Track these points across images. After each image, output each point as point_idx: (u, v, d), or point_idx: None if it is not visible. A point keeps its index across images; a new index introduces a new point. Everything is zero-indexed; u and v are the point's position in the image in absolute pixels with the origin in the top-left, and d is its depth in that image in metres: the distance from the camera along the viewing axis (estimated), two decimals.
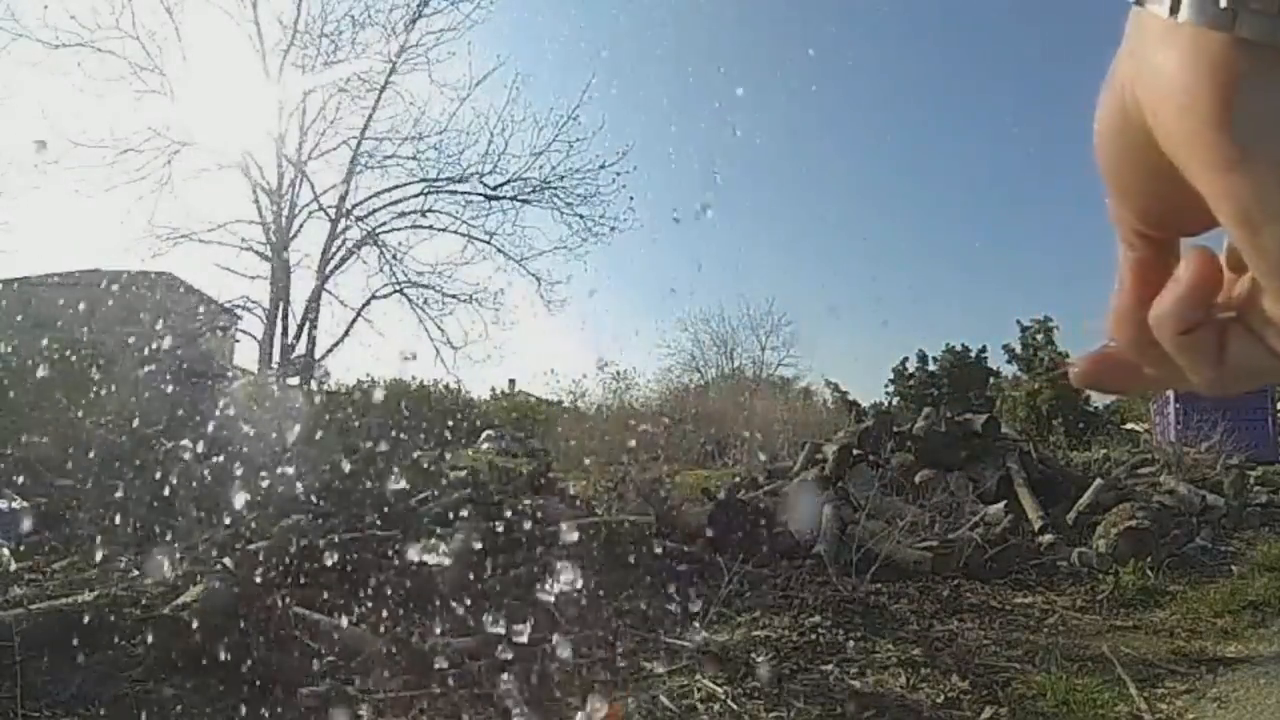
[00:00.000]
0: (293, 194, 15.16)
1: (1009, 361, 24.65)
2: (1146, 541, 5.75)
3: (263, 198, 14.92)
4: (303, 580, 4.10)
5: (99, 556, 4.57)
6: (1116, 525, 5.91)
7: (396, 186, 15.63)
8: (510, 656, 3.48)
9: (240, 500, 4.97)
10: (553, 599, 4.39)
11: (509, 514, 5.66)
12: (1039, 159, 31.12)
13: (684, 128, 30.08)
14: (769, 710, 3.27)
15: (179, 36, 13.89)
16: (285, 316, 14.89)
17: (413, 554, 4.56)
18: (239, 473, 5.22)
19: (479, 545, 4.86)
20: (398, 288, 15.49)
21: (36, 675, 2.97)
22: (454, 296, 15.57)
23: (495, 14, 15.35)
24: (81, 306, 11.15)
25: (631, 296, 29.92)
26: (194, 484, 5.11)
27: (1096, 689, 3.51)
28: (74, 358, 8.17)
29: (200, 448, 5.70)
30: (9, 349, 7.95)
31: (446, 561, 4.56)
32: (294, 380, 14.41)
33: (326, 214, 15.37)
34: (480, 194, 15.49)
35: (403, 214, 15.65)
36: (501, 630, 3.77)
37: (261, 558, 4.16)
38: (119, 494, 5.27)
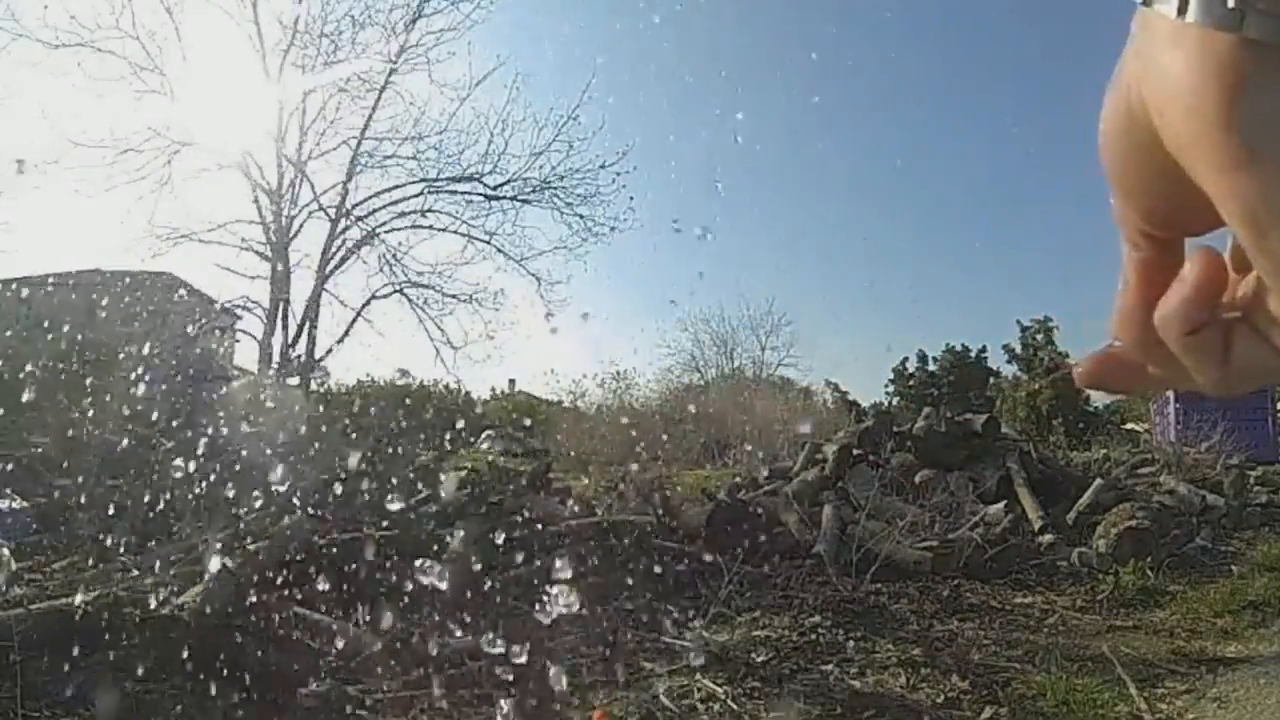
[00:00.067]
0: (293, 194, 15.18)
1: (1009, 361, 24.68)
2: (1146, 541, 5.75)
3: (263, 198, 14.94)
4: (303, 580, 4.10)
5: (99, 556, 4.57)
6: (1116, 525, 5.91)
7: (396, 186, 15.66)
8: (510, 657, 3.48)
9: (240, 500, 4.97)
10: (552, 599, 4.39)
11: (509, 514, 5.66)
12: (1039, 159, 31.18)
13: (684, 128, 30.11)
14: (769, 710, 3.27)
15: (179, 36, 13.91)
16: (285, 316, 14.90)
17: (412, 554, 4.57)
18: (239, 473, 5.22)
19: (479, 545, 4.86)
20: (398, 288, 15.51)
21: (36, 675, 2.96)
22: (454, 296, 15.59)
23: (495, 14, 15.38)
24: (81, 306, 11.15)
25: (631, 297, 29.95)
26: (194, 484, 5.11)
27: (1096, 689, 3.51)
28: (74, 358, 8.17)
29: (200, 448, 5.70)
30: (9, 349, 7.95)
31: (446, 561, 4.56)
32: (294, 380, 14.41)
33: (326, 214, 15.39)
34: (480, 194, 15.51)
35: (403, 214, 15.67)
36: (501, 631, 3.78)
37: (261, 558, 4.16)
38: (119, 494, 5.27)
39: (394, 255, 15.50)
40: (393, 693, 3.21)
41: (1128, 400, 18.25)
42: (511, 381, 20.91)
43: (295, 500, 5.27)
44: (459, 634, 3.73)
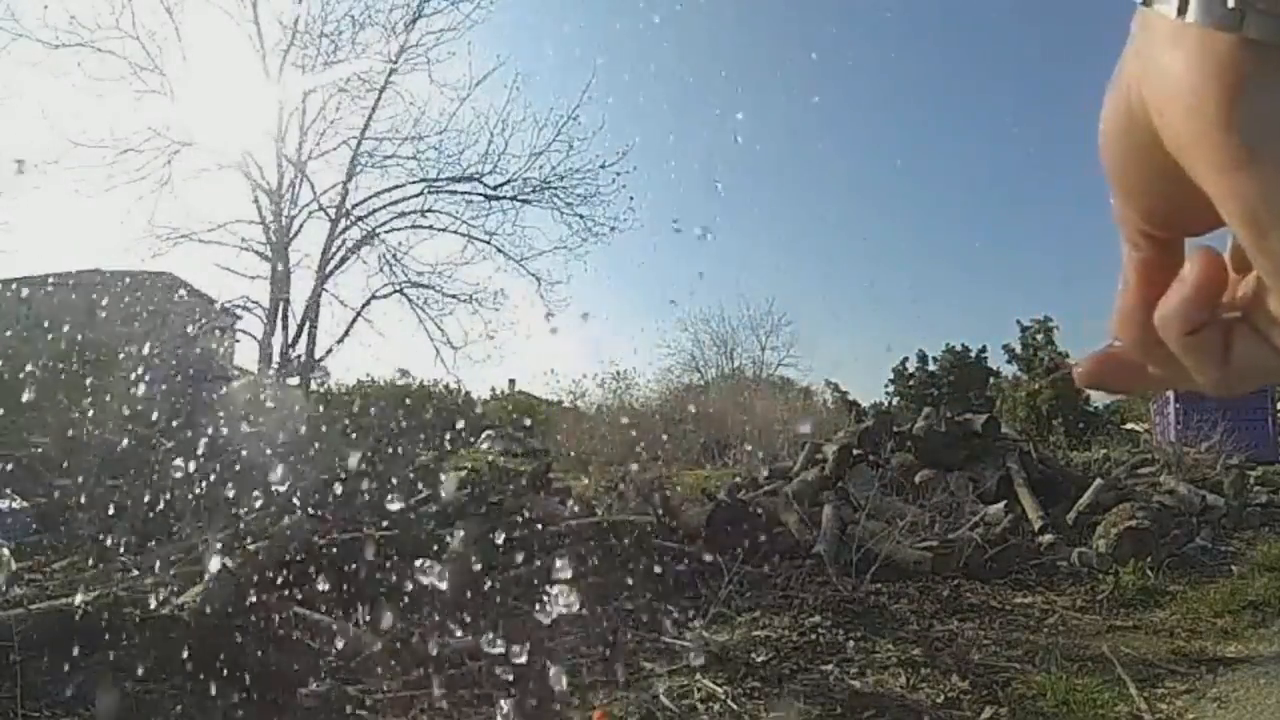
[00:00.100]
0: (293, 194, 15.18)
1: (1009, 361, 24.69)
2: (1146, 541, 5.75)
3: (263, 198, 14.94)
4: (303, 580, 4.10)
5: (99, 556, 4.57)
6: (1116, 525, 5.91)
7: (396, 186, 15.65)
8: (510, 657, 3.48)
9: (240, 500, 4.97)
10: (552, 599, 4.39)
11: (509, 514, 5.66)
12: (1039, 159, 31.18)
13: (684, 128, 30.13)
14: (769, 710, 3.27)
15: (179, 36, 13.91)
16: (285, 316, 14.90)
17: (412, 554, 4.57)
18: (239, 473, 5.22)
19: (479, 545, 4.86)
20: (398, 288, 15.51)
21: (36, 675, 2.96)
22: (454, 296, 15.59)
23: (495, 14, 15.36)
24: (81, 306, 11.15)
25: (631, 297, 29.95)
26: (194, 484, 5.11)
27: (1096, 689, 3.51)
28: (74, 358, 8.17)
29: (200, 448, 5.70)
30: (9, 349, 7.95)
31: (446, 561, 4.56)
32: (294, 380, 14.41)
33: (326, 214, 15.38)
34: (480, 194, 15.51)
35: (403, 214, 15.66)
36: (501, 631, 3.78)
37: (261, 558, 4.16)
38: (119, 494, 5.27)
39: (394, 255, 15.52)
40: (393, 693, 3.21)
41: (1128, 400, 18.25)
42: (511, 381, 20.93)
43: (295, 500, 5.26)
44: (459, 634, 3.73)
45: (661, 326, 28.82)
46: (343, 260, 15.43)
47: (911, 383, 25.58)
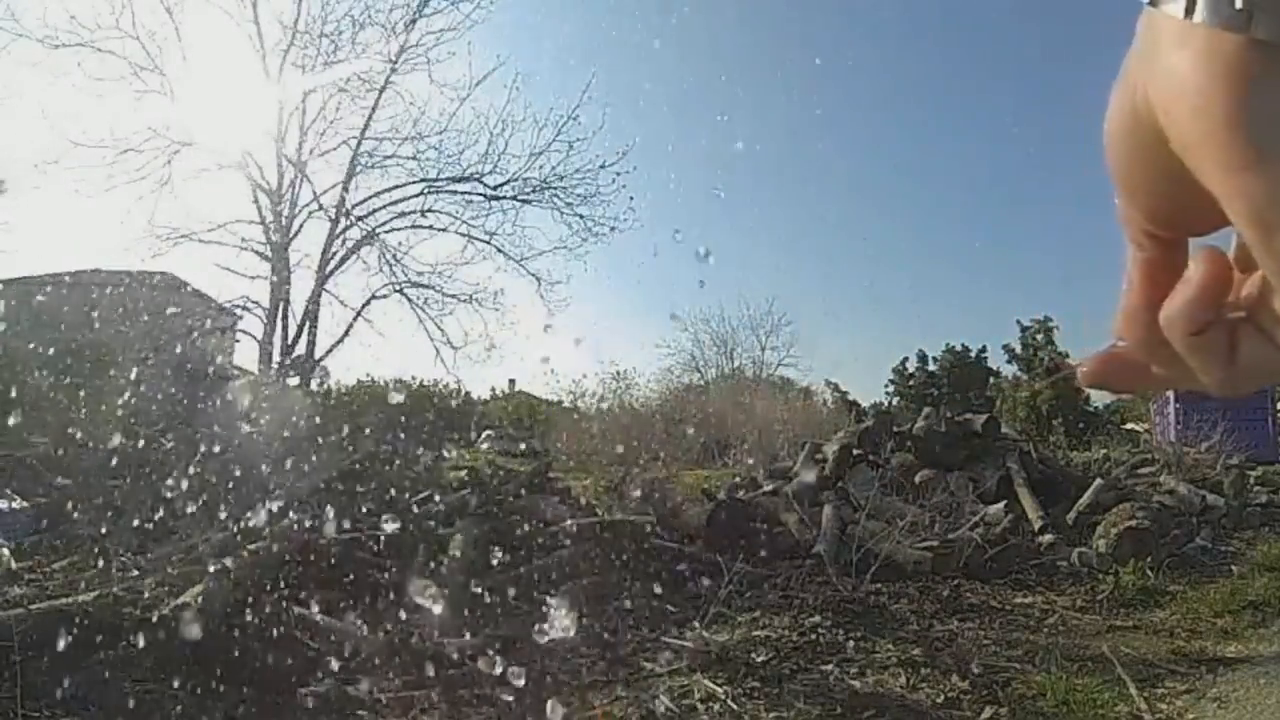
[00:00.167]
0: (293, 194, 15.17)
1: (1009, 361, 24.71)
2: (1146, 541, 5.75)
3: (263, 198, 14.93)
4: (303, 580, 4.10)
5: (99, 556, 4.57)
6: (1116, 525, 5.91)
7: (396, 186, 15.65)
8: (510, 656, 3.48)
9: (240, 500, 4.97)
10: (552, 599, 4.39)
11: (509, 514, 5.66)
12: (1039, 159, 31.19)
13: (684, 128, 30.12)
14: (769, 710, 3.27)
15: (179, 36, 13.90)
16: (285, 316, 14.89)
17: (412, 554, 4.56)
18: (239, 473, 5.21)
19: (479, 545, 4.86)
20: (398, 288, 15.51)
21: (36, 675, 2.96)
22: (454, 296, 15.59)
23: (495, 14, 15.37)
24: (82, 306, 11.14)
25: (632, 297, 29.95)
26: (193, 484, 5.11)
27: (1096, 689, 3.51)
28: (74, 358, 8.16)
29: (200, 448, 5.70)
30: (9, 349, 7.95)
31: (446, 561, 4.56)
32: (294, 380, 14.41)
33: (326, 214, 15.38)
34: (480, 194, 15.51)
35: (403, 214, 15.66)
36: (502, 630, 3.78)
37: (261, 558, 4.16)
38: (119, 494, 5.27)
39: (394, 255, 15.52)
40: (393, 693, 3.21)
41: (1128, 400, 18.26)
42: (511, 381, 20.95)
43: (295, 500, 5.26)
44: (459, 634, 3.73)
45: (662, 327, 28.85)
46: (343, 260, 15.44)
47: (911, 383, 25.59)
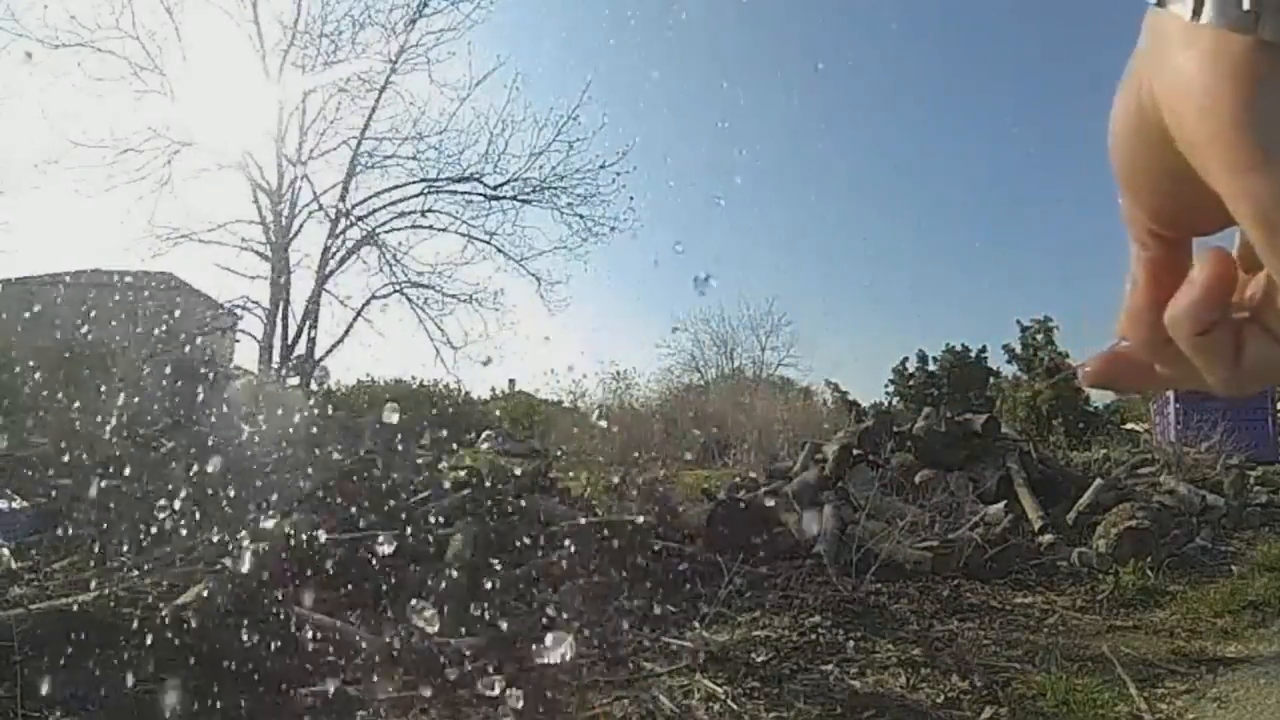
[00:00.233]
0: (293, 194, 15.18)
1: (1009, 361, 24.67)
2: (1146, 541, 5.75)
3: (263, 198, 14.94)
4: (303, 580, 4.10)
5: (99, 556, 4.57)
6: (1116, 525, 5.91)
7: (396, 186, 15.66)
8: (510, 656, 3.48)
9: (240, 500, 4.97)
10: (553, 599, 4.39)
11: (509, 514, 5.66)
12: (1039, 159, 31.16)
13: (684, 128, 30.11)
14: (769, 710, 3.27)
15: (179, 36, 13.93)
16: (285, 316, 14.90)
17: (412, 554, 4.56)
18: (239, 473, 5.21)
19: (479, 545, 4.86)
20: (398, 288, 15.52)
21: (36, 675, 2.96)
22: (454, 296, 15.59)
23: (495, 14, 15.39)
24: (81, 306, 11.14)
25: (632, 297, 29.96)
26: (194, 484, 5.11)
27: (1096, 689, 3.51)
28: (74, 358, 8.16)
29: (200, 448, 5.70)
30: (9, 349, 7.95)
31: (446, 561, 4.56)
32: (294, 380, 14.41)
33: (326, 214, 15.40)
34: (480, 194, 15.51)
35: (403, 214, 15.68)
36: (502, 630, 3.77)
37: (261, 558, 4.16)
38: (119, 494, 5.27)
39: (394, 255, 15.53)
40: (393, 693, 3.21)
41: (1128, 400, 18.24)
42: (511, 381, 20.95)
43: (295, 500, 5.26)
44: (459, 634, 3.73)
45: (662, 327, 28.87)
46: (343, 260, 15.45)
47: (911, 383, 25.57)
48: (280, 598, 3.75)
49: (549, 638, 3.32)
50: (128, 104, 14.10)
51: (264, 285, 14.87)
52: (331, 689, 3.13)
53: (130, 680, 3.09)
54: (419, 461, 7.22)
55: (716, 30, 26.89)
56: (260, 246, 14.88)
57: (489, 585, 4.31)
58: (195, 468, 5.32)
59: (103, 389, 7.31)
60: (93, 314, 11.02)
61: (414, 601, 3.65)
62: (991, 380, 24.71)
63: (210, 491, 5.06)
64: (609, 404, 17.15)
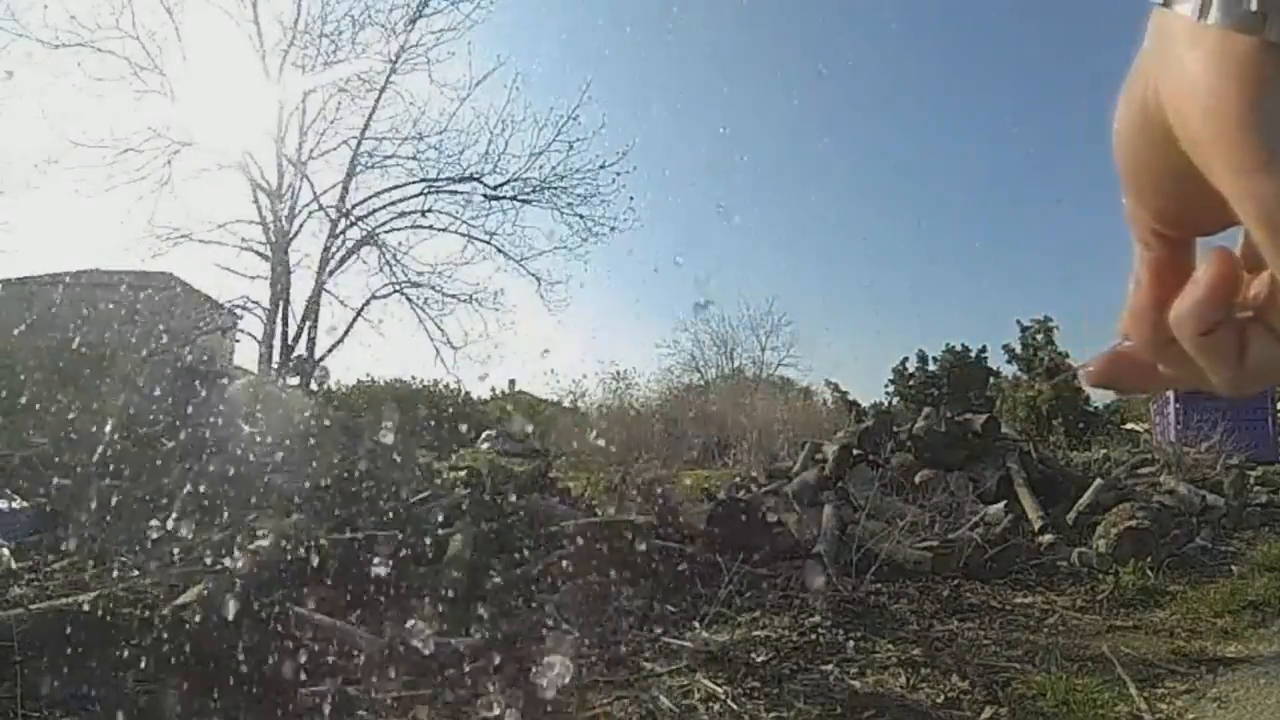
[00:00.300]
0: (293, 194, 15.17)
1: (1009, 361, 24.62)
2: (1146, 541, 5.75)
3: (263, 198, 14.92)
4: (303, 580, 4.10)
5: (99, 556, 4.57)
6: (1116, 525, 5.91)
7: (396, 186, 15.64)
8: (510, 656, 3.48)
9: (240, 500, 4.97)
10: (552, 599, 4.39)
11: (509, 514, 5.66)
12: (1039, 159, 31.12)
13: (684, 128, 30.12)
14: (769, 710, 3.27)
15: (179, 36, 13.89)
16: (285, 316, 14.89)
17: (413, 554, 4.56)
18: (239, 473, 5.21)
19: (479, 545, 4.86)
20: (398, 288, 15.50)
21: (36, 675, 2.96)
22: (454, 296, 15.58)
23: (495, 14, 15.36)
24: (81, 307, 11.14)
25: (633, 297, 29.96)
26: (194, 484, 5.10)
27: (1096, 689, 3.51)
28: (74, 358, 8.16)
29: (200, 448, 5.70)
30: (9, 349, 7.94)
31: (446, 561, 4.55)
32: (294, 380, 14.41)
33: (326, 214, 15.37)
34: (480, 194, 15.50)
35: (403, 214, 15.65)
36: (502, 630, 3.77)
37: (261, 558, 4.16)
38: (119, 494, 5.27)
39: (394, 255, 15.52)
40: (393, 693, 3.21)
41: (1128, 400, 18.24)
42: (511, 381, 20.92)
43: (295, 500, 5.26)
44: (459, 634, 3.73)
45: (661, 327, 28.88)
46: (343, 260, 15.44)
47: (911, 383, 25.55)
48: (280, 598, 3.75)
49: (547, 659, 3.30)
50: (128, 104, 14.08)
51: (264, 285, 14.87)
52: (331, 689, 3.13)
53: (130, 680, 3.10)
54: (419, 461, 7.21)
55: (716, 30, 26.88)
56: (260, 246, 14.88)
57: (489, 585, 4.31)
58: (195, 468, 5.32)
59: (103, 389, 7.30)
60: (93, 314, 11.02)
61: (414, 601, 3.65)
62: (991, 380, 24.69)
63: (210, 491, 5.06)
64: (609, 404, 17.15)
